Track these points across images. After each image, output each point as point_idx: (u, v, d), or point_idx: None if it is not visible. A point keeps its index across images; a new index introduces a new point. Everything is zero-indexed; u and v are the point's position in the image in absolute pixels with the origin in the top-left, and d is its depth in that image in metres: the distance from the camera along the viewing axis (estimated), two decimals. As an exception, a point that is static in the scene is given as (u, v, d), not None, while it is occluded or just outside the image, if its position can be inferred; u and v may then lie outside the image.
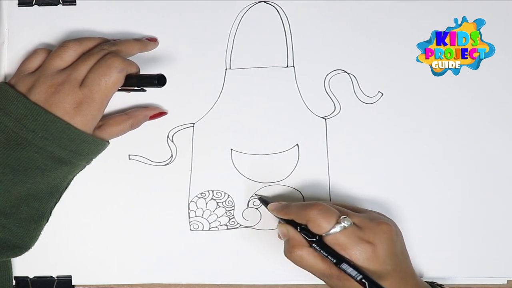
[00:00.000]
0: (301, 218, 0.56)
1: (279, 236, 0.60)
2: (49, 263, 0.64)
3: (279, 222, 0.59)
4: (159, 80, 0.57)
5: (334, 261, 0.54)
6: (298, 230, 0.56)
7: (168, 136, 0.64)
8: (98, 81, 0.56)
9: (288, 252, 0.56)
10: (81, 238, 0.64)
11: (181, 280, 0.64)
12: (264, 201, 0.62)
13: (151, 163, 0.64)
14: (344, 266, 0.53)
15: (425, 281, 0.59)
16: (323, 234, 0.55)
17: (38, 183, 0.57)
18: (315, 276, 0.56)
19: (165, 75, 0.57)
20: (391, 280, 0.55)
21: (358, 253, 0.54)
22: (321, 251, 0.54)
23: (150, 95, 0.64)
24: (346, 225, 0.54)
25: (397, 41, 0.65)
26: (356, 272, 0.53)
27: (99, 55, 0.58)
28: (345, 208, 0.58)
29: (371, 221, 0.56)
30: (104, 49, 0.58)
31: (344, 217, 0.55)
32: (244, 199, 0.64)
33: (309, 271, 0.56)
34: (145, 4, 0.64)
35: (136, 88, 0.60)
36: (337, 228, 0.54)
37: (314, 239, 0.55)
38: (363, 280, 0.52)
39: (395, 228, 0.56)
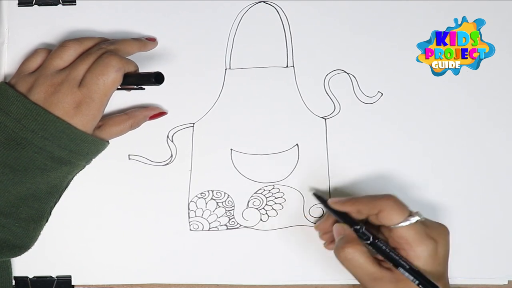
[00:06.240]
0: (372, 207, 0.55)
1: (324, 238, 0.60)
2: (48, 263, 0.64)
3: (337, 222, 0.59)
4: (156, 78, 0.57)
5: (391, 263, 0.53)
6: (354, 229, 0.56)
7: (168, 136, 0.64)
8: (96, 81, 0.56)
9: (341, 248, 0.55)
10: (81, 238, 0.64)
11: (181, 280, 0.64)
12: (319, 197, 0.62)
13: (151, 163, 0.64)
14: (401, 270, 0.53)
15: None
16: (392, 226, 0.54)
17: (38, 183, 0.57)
18: (352, 278, 0.56)
19: (163, 74, 0.57)
20: (441, 283, 0.54)
21: (422, 250, 0.53)
22: (377, 253, 0.54)
23: (150, 95, 0.64)
24: (419, 218, 0.54)
25: (397, 41, 0.65)
26: (412, 277, 0.52)
27: (97, 54, 0.58)
28: None
29: (432, 221, 0.56)
30: (102, 48, 0.58)
31: (417, 212, 0.55)
32: (244, 199, 0.64)
33: (355, 271, 0.55)
34: (145, 4, 0.64)
35: (135, 86, 0.60)
36: (410, 221, 0.54)
37: (369, 241, 0.55)
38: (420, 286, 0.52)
39: None
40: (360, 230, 0.56)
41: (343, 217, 0.58)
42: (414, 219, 0.54)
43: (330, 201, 0.59)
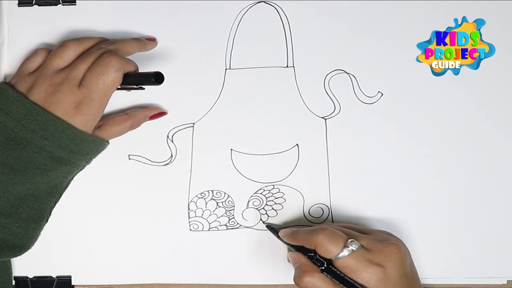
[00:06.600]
0: (310, 243, 0.56)
1: (288, 261, 0.59)
2: (48, 263, 0.64)
3: (290, 250, 0.59)
4: (156, 78, 0.57)
5: None
6: (308, 256, 0.56)
7: (168, 136, 0.64)
8: (96, 81, 0.56)
9: (299, 278, 0.55)
10: (81, 238, 0.64)
11: (181, 280, 0.64)
12: (273, 229, 0.62)
13: (151, 163, 0.64)
14: None
15: None
16: (332, 258, 0.54)
17: (38, 183, 0.57)
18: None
19: (163, 73, 0.57)
20: None
21: (369, 276, 0.53)
22: (333, 279, 0.54)
23: (150, 95, 0.64)
24: (354, 248, 0.54)
25: (397, 41, 0.65)
26: None
27: (97, 54, 0.58)
28: (352, 231, 0.57)
29: (379, 243, 0.55)
30: (102, 48, 0.58)
31: (352, 241, 0.54)
32: (244, 199, 0.64)
33: None
34: (144, 4, 0.64)
35: (135, 86, 0.60)
36: (346, 252, 0.54)
37: (324, 266, 0.54)
38: None
39: (403, 247, 0.56)
40: (314, 257, 0.55)
41: (296, 246, 0.58)
42: (347, 251, 0.54)
43: (281, 233, 0.60)
